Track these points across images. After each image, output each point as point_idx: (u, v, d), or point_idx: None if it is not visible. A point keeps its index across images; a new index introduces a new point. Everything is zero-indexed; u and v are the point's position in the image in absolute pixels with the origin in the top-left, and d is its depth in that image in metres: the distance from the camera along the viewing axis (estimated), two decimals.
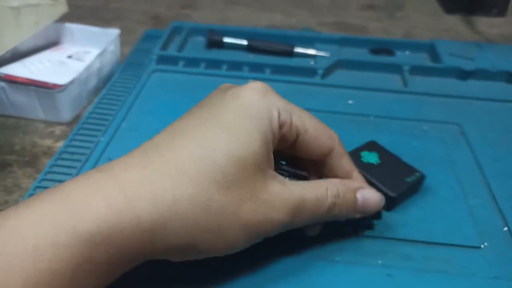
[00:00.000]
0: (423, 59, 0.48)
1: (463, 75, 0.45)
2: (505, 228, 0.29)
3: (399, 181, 0.29)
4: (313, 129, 0.24)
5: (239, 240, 0.21)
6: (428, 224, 0.29)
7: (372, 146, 0.32)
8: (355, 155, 0.31)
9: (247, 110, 0.22)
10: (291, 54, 0.48)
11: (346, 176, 0.26)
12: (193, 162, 0.20)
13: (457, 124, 0.39)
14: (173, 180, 0.19)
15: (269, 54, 0.48)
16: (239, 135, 0.21)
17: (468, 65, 0.45)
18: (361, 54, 0.49)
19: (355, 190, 0.25)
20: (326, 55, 0.47)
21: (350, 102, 0.41)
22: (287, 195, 0.22)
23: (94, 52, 0.45)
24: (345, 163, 0.26)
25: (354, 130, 0.37)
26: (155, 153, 0.20)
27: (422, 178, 0.30)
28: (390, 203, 0.29)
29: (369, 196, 0.25)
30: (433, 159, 0.34)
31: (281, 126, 0.23)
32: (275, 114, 0.23)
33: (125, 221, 0.18)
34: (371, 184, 0.29)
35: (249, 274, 0.25)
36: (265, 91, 0.23)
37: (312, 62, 0.47)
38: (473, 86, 0.44)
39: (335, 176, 0.26)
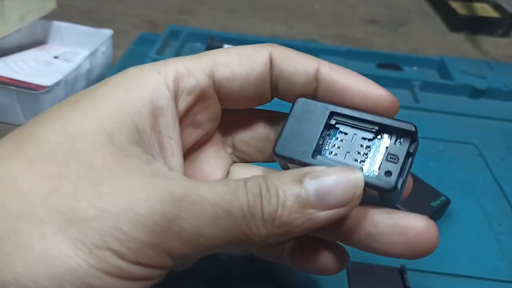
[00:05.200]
0: (432, 75, 0.46)
1: (475, 93, 0.43)
2: None
3: (423, 205, 0.26)
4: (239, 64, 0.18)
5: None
6: (454, 254, 0.26)
7: None
8: None
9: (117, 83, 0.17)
10: None
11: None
12: None
13: (473, 144, 0.36)
14: None
15: None
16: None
17: (480, 84, 0.43)
18: (368, 68, 0.46)
19: (299, 179, 0.15)
20: None
21: None
22: (155, 183, 0.15)
23: (84, 53, 0.41)
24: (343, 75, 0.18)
25: None
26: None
27: (447, 202, 0.27)
28: None
29: (326, 179, 0.15)
30: (453, 182, 0.32)
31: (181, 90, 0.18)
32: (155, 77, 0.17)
33: None
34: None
35: None
36: (153, 63, 0.18)
37: None
38: (485, 105, 0.42)
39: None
